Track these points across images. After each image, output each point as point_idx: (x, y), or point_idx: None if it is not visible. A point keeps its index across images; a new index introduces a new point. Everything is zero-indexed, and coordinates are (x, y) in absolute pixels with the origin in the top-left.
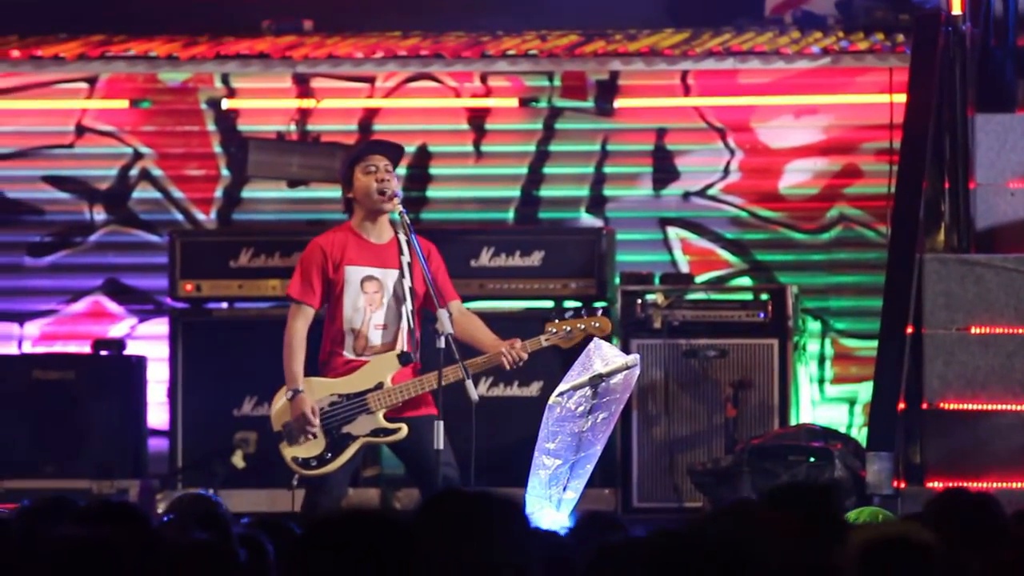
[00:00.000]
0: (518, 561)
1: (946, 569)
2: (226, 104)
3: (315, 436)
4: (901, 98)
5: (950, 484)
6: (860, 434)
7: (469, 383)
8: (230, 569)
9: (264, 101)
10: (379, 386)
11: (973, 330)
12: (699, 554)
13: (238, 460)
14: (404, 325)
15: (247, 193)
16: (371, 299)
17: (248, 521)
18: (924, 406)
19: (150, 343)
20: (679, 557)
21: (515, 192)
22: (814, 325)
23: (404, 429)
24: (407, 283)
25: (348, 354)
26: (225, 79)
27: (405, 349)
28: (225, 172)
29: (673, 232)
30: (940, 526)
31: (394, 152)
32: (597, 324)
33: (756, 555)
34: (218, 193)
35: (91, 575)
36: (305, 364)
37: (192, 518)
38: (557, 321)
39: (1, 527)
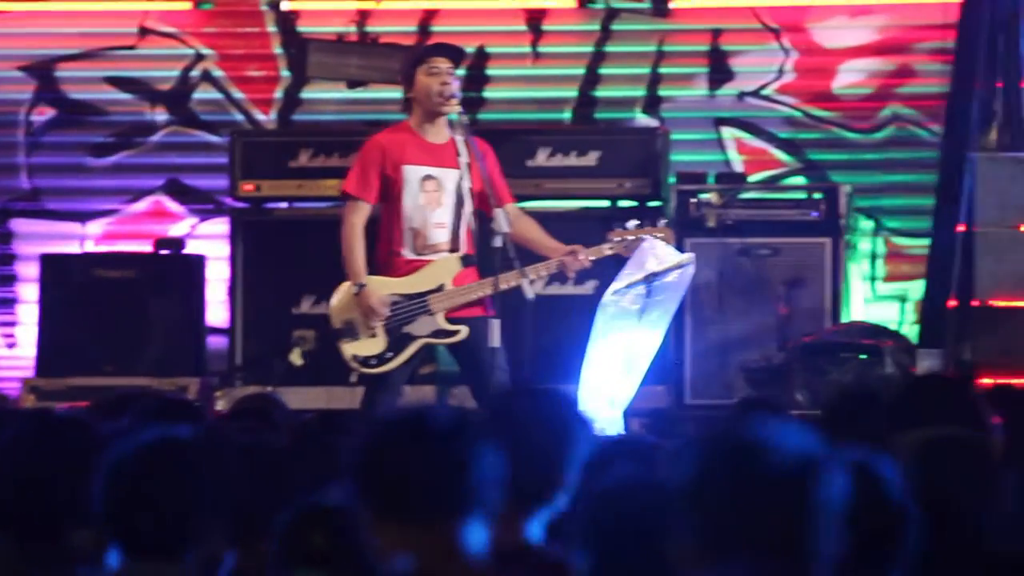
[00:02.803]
0: (576, 457)
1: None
2: (286, 5)
3: (376, 333)
4: None
5: (1000, 381)
6: (911, 331)
7: (526, 282)
8: (285, 467)
9: (323, 2)
10: (440, 287)
11: None
12: None
13: (296, 358)
14: (464, 225)
15: (307, 94)
16: (430, 198)
17: (311, 417)
18: (975, 303)
19: (210, 242)
20: None
21: (572, 92)
22: (866, 224)
23: (464, 331)
24: (466, 184)
25: (408, 254)
26: None
27: (466, 250)
28: (285, 73)
29: (727, 132)
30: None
31: (457, 55)
32: (661, 235)
33: None
34: (278, 94)
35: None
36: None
37: (251, 416)
38: (619, 230)
39: (71, 423)
